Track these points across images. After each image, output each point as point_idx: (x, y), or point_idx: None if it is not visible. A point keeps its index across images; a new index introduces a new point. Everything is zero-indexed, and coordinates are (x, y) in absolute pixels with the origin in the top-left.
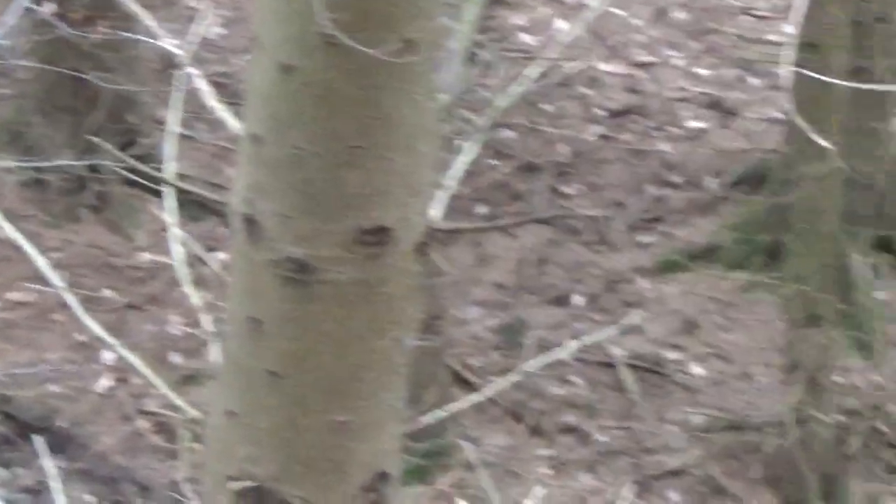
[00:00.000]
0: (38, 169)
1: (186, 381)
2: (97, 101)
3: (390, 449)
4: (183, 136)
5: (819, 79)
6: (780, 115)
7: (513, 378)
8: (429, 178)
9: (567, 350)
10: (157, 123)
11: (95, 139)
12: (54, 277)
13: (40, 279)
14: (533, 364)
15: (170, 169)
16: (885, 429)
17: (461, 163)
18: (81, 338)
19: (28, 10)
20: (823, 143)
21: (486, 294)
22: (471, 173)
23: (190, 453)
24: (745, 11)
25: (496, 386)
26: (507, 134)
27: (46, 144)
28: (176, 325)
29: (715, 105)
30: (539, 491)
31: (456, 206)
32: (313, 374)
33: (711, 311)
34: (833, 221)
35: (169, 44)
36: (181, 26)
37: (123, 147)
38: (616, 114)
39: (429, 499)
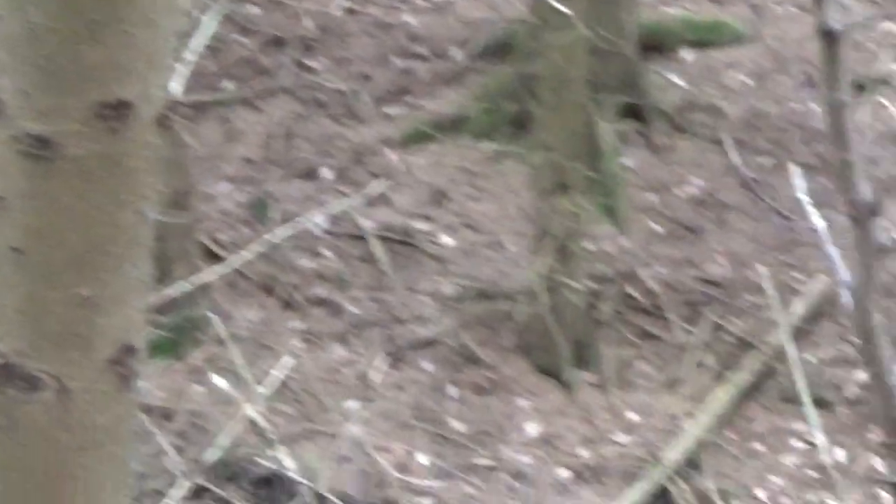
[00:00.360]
0: None
1: None
2: None
3: (136, 322)
4: None
5: None
6: None
7: (257, 248)
8: (168, 51)
9: (311, 220)
10: None
11: None
12: None
13: None
14: (278, 234)
15: None
16: (635, 294)
17: (202, 37)
18: None
19: None
20: (566, 11)
21: (235, 169)
22: (216, 49)
23: None
24: None
25: (241, 257)
26: (252, 9)
27: None
28: None
29: None
30: (287, 361)
31: (202, 82)
32: (57, 249)
33: (460, 182)
34: (579, 90)
35: None
36: None
37: None
38: None
39: (182, 374)
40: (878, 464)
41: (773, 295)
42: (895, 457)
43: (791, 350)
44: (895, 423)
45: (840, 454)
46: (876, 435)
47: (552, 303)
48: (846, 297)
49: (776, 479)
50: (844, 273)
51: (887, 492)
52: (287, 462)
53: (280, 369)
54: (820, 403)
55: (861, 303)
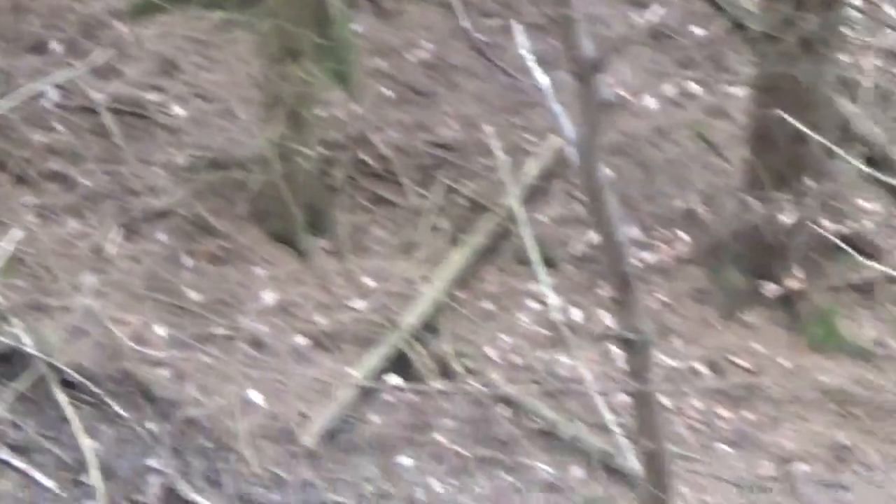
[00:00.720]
0: None
1: None
2: None
3: None
4: None
5: None
6: None
7: None
8: None
9: (35, 90)
10: None
11: None
12: None
13: None
14: (1, 105)
15: None
16: (367, 159)
17: None
18: None
19: None
20: None
21: None
22: None
23: None
24: None
25: None
26: None
27: None
28: None
29: None
30: (16, 234)
31: None
32: None
33: (189, 51)
34: None
35: None
36: None
37: None
38: None
39: None
40: (611, 320)
41: (502, 156)
42: (623, 312)
43: (520, 212)
44: (623, 279)
45: (576, 313)
46: (606, 292)
47: (285, 170)
48: (572, 155)
49: (510, 339)
50: (569, 130)
51: (617, 347)
52: (23, 336)
53: (8, 242)
54: (552, 263)
55: (587, 159)
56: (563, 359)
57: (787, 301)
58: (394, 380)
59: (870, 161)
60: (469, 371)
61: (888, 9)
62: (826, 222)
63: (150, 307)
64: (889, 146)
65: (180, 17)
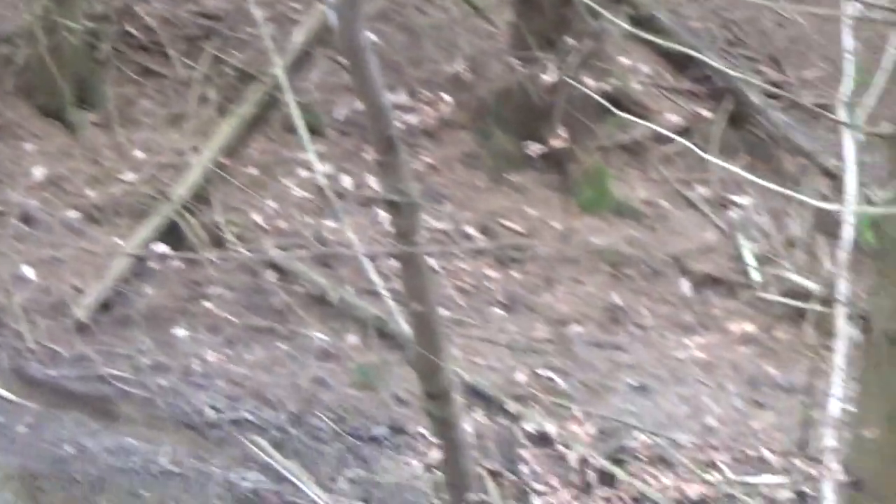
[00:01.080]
0: None
1: None
2: None
3: None
4: None
5: None
6: None
7: None
8: None
9: None
10: None
11: None
12: None
13: None
14: None
15: None
16: (134, 31)
17: None
18: None
19: None
20: None
21: None
22: None
23: None
24: None
25: None
26: None
27: None
28: None
29: None
30: None
31: None
32: None
33: None
34: None
35: None
36: None
37: None
38: None
39: None
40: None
41: (266, 25)
42: (388, 175)
43: (285, 80)
44: (387, 142)
45: (344, 179)
46: (373, 156)
47: (51, 44)
48: (333, 19)
49: (279, 207)
50: None
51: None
52: None
53: None
54: (319, 130)
55: (347, 23)
56: (332, 224)
57: (558, 163)
58: (162, 249)
59: (635, 21)
60: (240, 239)
61: None
62: (590, 81)
63: None
64: (654, 5)
65: None
